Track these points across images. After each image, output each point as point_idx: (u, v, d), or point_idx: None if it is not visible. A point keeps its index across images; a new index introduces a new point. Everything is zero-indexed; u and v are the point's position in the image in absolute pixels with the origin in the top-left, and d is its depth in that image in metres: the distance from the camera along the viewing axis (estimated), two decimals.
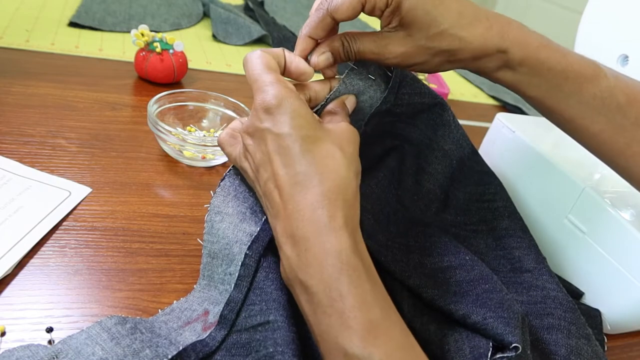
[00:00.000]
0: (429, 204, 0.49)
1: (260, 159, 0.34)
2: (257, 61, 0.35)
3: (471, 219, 0.49)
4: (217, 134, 0.61)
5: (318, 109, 0.39)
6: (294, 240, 0.31)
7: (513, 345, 0.34)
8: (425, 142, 0.49)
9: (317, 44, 0.39)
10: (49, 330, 0.34)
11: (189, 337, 0.35)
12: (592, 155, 0.41)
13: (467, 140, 0.50)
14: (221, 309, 0.37)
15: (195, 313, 0.37)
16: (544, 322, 0.40)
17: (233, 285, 0.38)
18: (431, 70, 0.39)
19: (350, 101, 0.40)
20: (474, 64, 0.38)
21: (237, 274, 0.38)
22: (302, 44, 0.38)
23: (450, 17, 0.35)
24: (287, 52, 0.38)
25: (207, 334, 0.35)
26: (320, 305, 0.29)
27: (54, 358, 0.31)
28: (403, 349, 0.28)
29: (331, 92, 0.40)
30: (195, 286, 0.40)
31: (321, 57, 0.38)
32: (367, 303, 0.29)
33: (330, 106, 0.39)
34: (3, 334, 0.33)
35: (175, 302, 0.38)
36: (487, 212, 0.49)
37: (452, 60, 0.37)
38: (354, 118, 0.42)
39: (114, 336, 0.33)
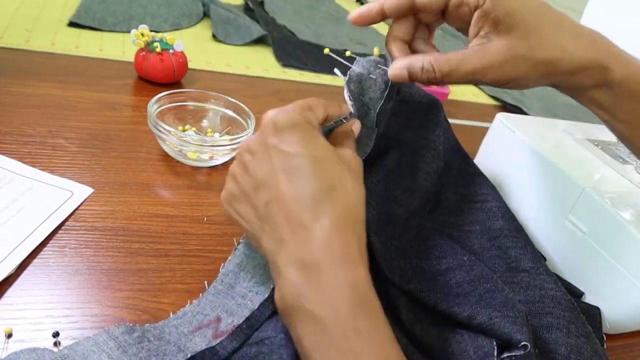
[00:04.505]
0: (425, 203, 0.49)
1: (262, 177, 0.31)
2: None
3: (464, 219, 0.49)
4: (216, 134, 0.61)
5: (331, 127, 0.38)
6: (303, 265, 0.28)
7: (522, 343, 0.33)
8: (422, 143, 0.49)
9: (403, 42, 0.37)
10: (56, 334, 0.34)
11: (198, 342, 0.35)
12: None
13: (457, 142, 0.50)
14: (236, 320, 0.37)
15: (207, 318, 0.37)
16: (542, 321, 0.40)
17: (258, 304, 0.37)
18: (527, 86, 0.35)
19: (356, 126, 0.39)
20: (571, 78, 0.35)
21: (267, 295, 0.37)
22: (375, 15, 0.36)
23: (550, 25, 0.33)
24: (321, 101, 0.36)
25: (217, 342, 0.35)
26: (333, 341, 0.27)
27: None
28: None
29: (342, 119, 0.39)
30: (208, 289, 0.39)
31: (395, 72, 0.37)
32: (384, 343, 0.27)
33: (337, 132, 0.37)
34: (10, 335, 0.33)
35: (187, 305, 0.38)
36: (480, 212, 0.49)
37: (551, 72, 0.34)
38: (364, 125, 0.42)
39: (120, 344, 0.33)
